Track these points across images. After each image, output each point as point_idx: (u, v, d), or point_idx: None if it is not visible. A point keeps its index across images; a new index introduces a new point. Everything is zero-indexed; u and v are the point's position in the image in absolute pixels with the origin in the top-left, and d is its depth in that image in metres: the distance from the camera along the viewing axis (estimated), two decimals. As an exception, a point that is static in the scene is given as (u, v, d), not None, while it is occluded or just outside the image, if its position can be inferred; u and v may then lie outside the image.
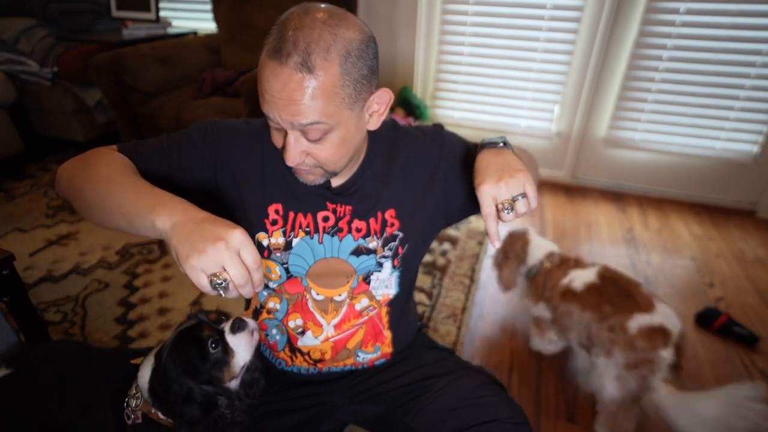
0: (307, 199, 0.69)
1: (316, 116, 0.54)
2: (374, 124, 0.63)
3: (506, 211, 0.58)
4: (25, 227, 1.92)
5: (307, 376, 0.79)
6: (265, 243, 0.70)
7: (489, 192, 0.59)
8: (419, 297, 1.55)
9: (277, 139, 0.61)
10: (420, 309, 1.48)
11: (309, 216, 0.69)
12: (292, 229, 0.69)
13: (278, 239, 0.69)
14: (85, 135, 2.46)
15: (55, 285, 1.59)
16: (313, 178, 0.64)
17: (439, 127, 0.77)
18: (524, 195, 0.58)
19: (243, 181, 0.69)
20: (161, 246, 1.81)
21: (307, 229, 0.69)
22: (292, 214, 0.69)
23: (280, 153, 0.61)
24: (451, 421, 0.68)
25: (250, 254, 0.48)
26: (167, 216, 0.50)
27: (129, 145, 0.68)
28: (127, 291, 1.57)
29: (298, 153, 0.58)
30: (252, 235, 0.68)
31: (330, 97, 0.54)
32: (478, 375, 0.76)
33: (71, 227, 1.93)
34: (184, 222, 0.49)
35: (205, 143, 0.68)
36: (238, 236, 0.48)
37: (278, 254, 0.70)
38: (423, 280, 1.64)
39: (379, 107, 0.62)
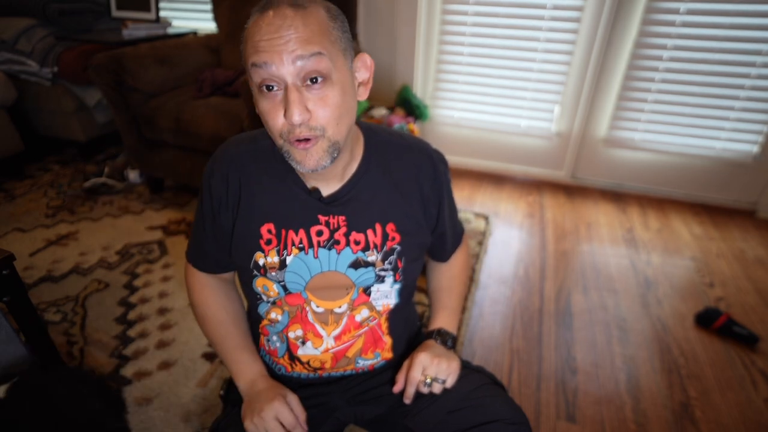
0: (298, 214, 0.68)
1: (316, 46, 0.54)
2: (363, 93, 0.64)
3: (425, 384, 0.71)
4: (25, 227, 1.92)
5: (306, 380, 0.79)
6: (261, 262, 0.69)
7: (423, 361, 0.72)
8: (419, 297, 1.55)
9: (274, 111, 0.57)
10: (420, 309, 1.48)
11: (301, 231, 0.68)
12: (285, 247, 0.68)
13: (273, 258, 0.69)
14: (85, 135, 2.46)
15: (55, 285, 1.59)
16: (318, 156, 0.58)
17: (438, 154, 0.77)
18: (444, 381, 0.71)
19: (234, 208, 0.70)
20: (161, 246, 1.82)
21: (301, 246, 0.68)
22: (284, 232, 0.68)
23: (281, 132, 0.58)
24: (451, 423, 0.68)
25: (285, 418, 0.67)
26: (242, 383, 0.74)
27: (194, 256, 0.79)
28: (127, 291, 1.57)
29: (302, 107, 0.55)
30: (250, 256, 0.69)
31: (324, 30, 0.55)
32: (477, 375, 0.76)
33: (71, 227, 1.93)
34: (247, 391, 0.73)
35: (211, 203, 0.71)
36: (274, 407, 0.68)
37: (274, 273, 0.69)
38: (423, 280, 1.64)
39: (362, 77, 0.63)
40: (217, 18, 2.28)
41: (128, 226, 1.95)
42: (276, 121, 0.57)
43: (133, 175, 2.29)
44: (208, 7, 2.66)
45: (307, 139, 0.57)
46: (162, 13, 2.69)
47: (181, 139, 1.88)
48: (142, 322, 1.44)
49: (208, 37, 2.33)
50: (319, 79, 0.55)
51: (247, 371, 0.74)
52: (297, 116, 0.55)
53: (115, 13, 2.51)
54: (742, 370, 1.34)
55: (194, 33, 2.57)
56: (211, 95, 1.97)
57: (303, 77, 0.55)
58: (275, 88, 0.56)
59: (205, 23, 2.80)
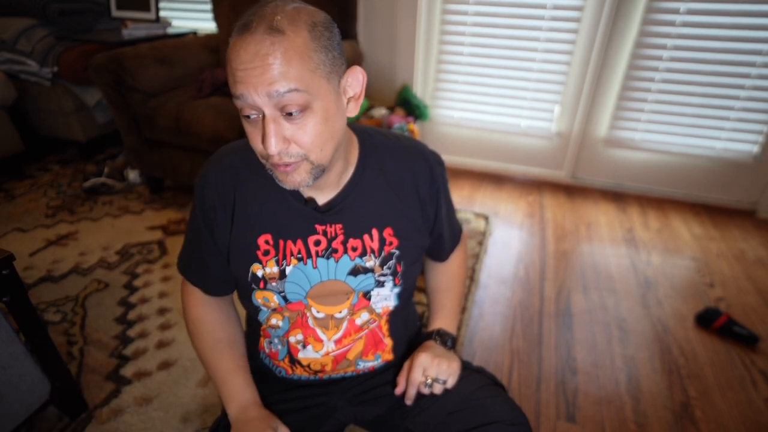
0: (295, 224, 0.67)
1: (293, 82, 0.51)
2: (353, 109, 0.61)
3: (426, 385, 0.72)
4: (24, 227, 1.92)
5: (307, 382, 0.79)
6: (259, 274, 0.68)
7: (424, 362, 0.72)
8: (419, 297, 1.55)
9: (255, 135, 0.56)
10: (420, 309, 1.48)
11: (299, 242, 0.67)
12: (284, 257, 0.68)
13: (272, 269, 0.68)
14: (85, 135, 2.46)
15: (55, 285, 1.59)
16: (300, 178, 0.58)
17: (434, 155, 0.76)
18: (445, 382, 0.72)
19: (229, 219, 0.68)
20: (161, 246, 1.81)
21: (299, 256, 0.67)
22: (282, 242, 0.67)
23: (262, 155, 0.57)
24: (451, 424, 0.68)
25: None
26: (232, 408, 0.71)
27: (191, 271, 0.75)
28: (127, 291, 1.57)
29: (279, 138, 0.54)
30: (246, 267, 0.68)
31: (304, 60, 0.51)
32: (478, 376, 0.75)
33: (71, 227, 1.93)
34: (237, 418, 0.70)
35: (206, 215, 0.69)
36: None
37: (274, 283, 0.68)
38: (422, 279, 1.64)
39: (354, 91, 0.60)
40: (217, 18, 2.28)
41: (128, 226, 1.95)
42: (256, 145, 0.57)
43: (132, 175, 2.29)
44: (208, 7, 2.66)
45: (287, 164, 0.57)
46: (162, 13, 2.69)
47: (181, 139, 1.88)
48: (142, 322, 1.44)
49: (208, 37, 2.33)
50: (296, 112, 0.53)
51: (239, 397, 0.71)
52: (273, 148, 0.54)
53: (115, 13, 2.51)
54: (742, 370, 1.34)
55: (194, 33, 2.57)
56: (211, 95, 1.97)
57: (281, 108, 0.53)
58: (254, 116, 0.55)
59: (205, 23, 2.80)
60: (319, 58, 0.53)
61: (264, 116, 0.53)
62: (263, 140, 0.54)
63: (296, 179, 0.58)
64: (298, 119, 0.54)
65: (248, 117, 0.55)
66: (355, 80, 0.59)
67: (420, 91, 2.46)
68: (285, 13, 0.52)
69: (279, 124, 0.54)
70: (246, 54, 0.51)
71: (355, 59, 2.14)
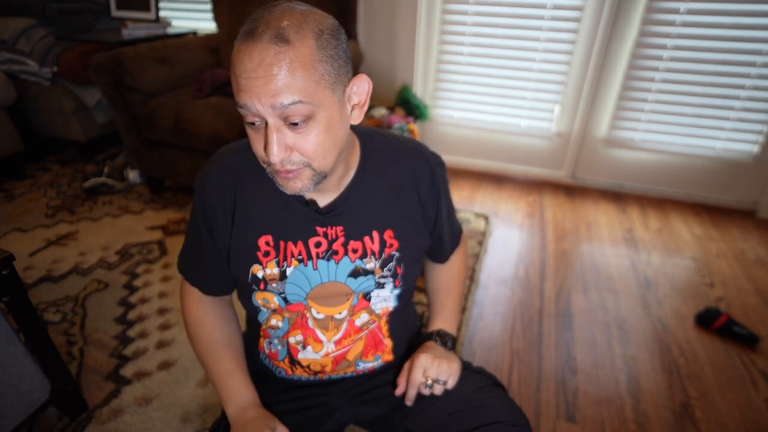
0: (296, 226, 0.67)
1: (297, 94, 0.51)
2: (357, 117, 0.61)
3: (427, 386, 0.72)
4: (24, 227, 1.92)
5: (307, 383, 0.79)
6: (260, 275, 0.68)
7: (424, 363, 0.72)
8: (419, 297, 1.55)
9: (257, 141, 0.56)
10: (420, 309, 1.48)
11: (300, 244, 0.67)
12: (285, 258, 0.68)
13: (273, 270, 0.68)
14: (84, 135, 2.46)
15: (55, 285, 1.59)
16: (301, 184, 0.58)
17: (435, 157, 0.76)
18: (445, 382, 0.72)
19: (230, 220, 0.68)
20: (161, 246, 1.81)
21: (300, 257, 0.67)
22: (282, 244, 0.67)
23: (264, 161, 0.58)
24: (452, 424, 0.68)
25: None
26: (231, 409, 0.71)
27: (190, 271, 0.75)
28: (127, 291, 1.57)
29: (282, 147, 0.54)
30: (246, 269, 0.68)
31: (308, 71, 0.51)
32: (478, 376, 0.76)
33: (71, 227, 1.93)
34: (236, 418, 0.70)
35: (207, 216, 0.68)
36: None
37: (274, 284, 0.68)
38: (422, 280, 1.63)
39: (359, 98, 0.60)
40: (217, 18, 2.28)
41: (128, 226, 1.95)
42: (259, 150, 0.57)
43: (132, 175, 2.29)
44: (208, 7, 2.66)
45: (289, 171, 0.57)
46: (162, 13, 2.69)
47: (181, 139, 1.88)
48: (142, 322, 1.44)
49: (208, 37, 2.33)
50: (300, 122, 0.53)
51: (238, 397, 0.71)
52: (275, 156, 0.54)
53: (115, 12, 2.51)
54: (742, 370, 1.34)
55: (194, 33, 2.57)
56: (211, 95, 1.97)
57: (284, 118, 0.53)
58: (257, 123, 0.55)
59: (205, 23, 2.80)
60: (324, 68, 0.52)
61: (267, 124, 0.54)
62: (265, 148, 0.55)
63: (297, 185, 0.58)
64: (301, 129, 0.54)
65: (252, 123, 0.55)
66: (361, 88, 0.59)
67: (420, 91, 2.46)
68: (291, 19, 0.51)
69: (282, 132, 0.54)
70: (250, 62, 0.50)
71: (355, 59, 2.14)
